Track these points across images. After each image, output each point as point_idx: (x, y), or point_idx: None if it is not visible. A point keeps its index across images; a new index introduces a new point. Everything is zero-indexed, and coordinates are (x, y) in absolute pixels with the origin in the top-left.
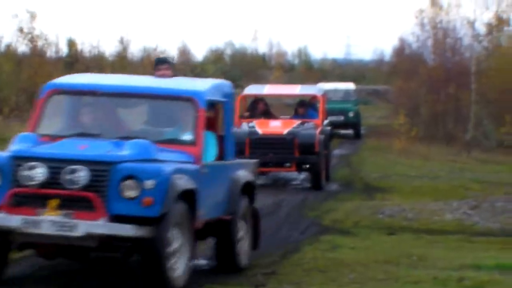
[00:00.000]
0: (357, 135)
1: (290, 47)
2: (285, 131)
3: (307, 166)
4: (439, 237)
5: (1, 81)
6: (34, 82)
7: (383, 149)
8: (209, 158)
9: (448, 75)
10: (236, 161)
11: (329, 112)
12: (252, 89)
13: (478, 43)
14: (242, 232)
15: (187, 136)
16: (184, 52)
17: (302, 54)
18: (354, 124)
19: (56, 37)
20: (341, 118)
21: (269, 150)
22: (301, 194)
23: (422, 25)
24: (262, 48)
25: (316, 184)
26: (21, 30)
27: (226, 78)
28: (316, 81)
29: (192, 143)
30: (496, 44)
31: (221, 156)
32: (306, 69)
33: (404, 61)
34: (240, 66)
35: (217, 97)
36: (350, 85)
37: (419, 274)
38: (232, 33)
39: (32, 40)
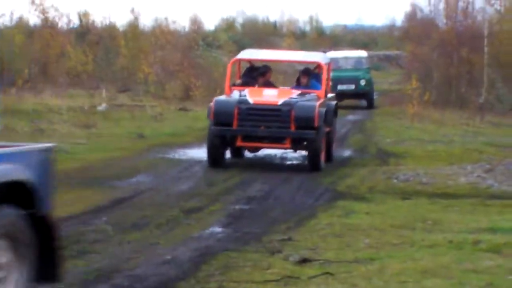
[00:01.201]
0: (370, 105)
1: (301, 15)
2: (281, 101)
3: (304, 143)
4: (454, 201)
5: (13, 54)
6: (46, 53)
7: (396, 114)
8: None
9: (460, 38)
10: None
11: (339, 81)
12: (247, 54)
13: (490, 6)
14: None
15: None
16: (196, 22)
17: (313, 21)
18: (366, 93)
19: (67, 8)
20: (352, 87)
21: (261, 122)
22: None
23: None
24: (273, 16)
25: (313, 164)
26: (32, 1)
27: (237, 46)
28: (327, 47)
29: None
30: (508, 7)
31: None
32: (318, 36)
33: (416, 26)
34: (251, 34)
35: None
36: (362, 53)
37: (435, 238)
38: (243, 1)
39: (43, 11)
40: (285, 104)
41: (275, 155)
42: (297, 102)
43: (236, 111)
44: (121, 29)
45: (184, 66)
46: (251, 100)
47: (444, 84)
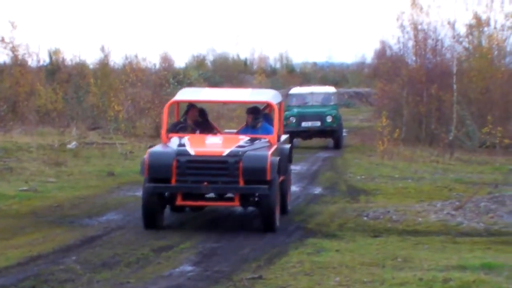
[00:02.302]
0: (337, 145)
1: (271, 52)
2: (226, 151)
3: (256, 199)
4: (424, 238)
5: None
6: (15, 91)
7: (367, 151)
8: None
9: (430, 76)
10: None
11: (303, 118)
12: (186, 94)
13: (459, 44)
14: None
15: None
16: (166, 59)
17: (284, 58)
18: (333, 131)
19: (37, 46)
20: (317, 124)
21: (204, 177)
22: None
23: (402, 27)
24: (244, 53)
25: (267, 223)
26: (2, 39)
27: (208, 83)
28: (298, 84)
29: None
30: (476, 45)
31: None
32: (288, 73)
33: (386, 63)
34: (222, 72)
35: None
36: (330, 89)
37: (405, 275)
38: (214, 39)
39: (13, 49)
40: (231, 154)
41: None
42: (245, 151)
43: (174, 165)
44: (91, 66)
45: (155, 103)
46: (191, 150)
47: (414, 121)
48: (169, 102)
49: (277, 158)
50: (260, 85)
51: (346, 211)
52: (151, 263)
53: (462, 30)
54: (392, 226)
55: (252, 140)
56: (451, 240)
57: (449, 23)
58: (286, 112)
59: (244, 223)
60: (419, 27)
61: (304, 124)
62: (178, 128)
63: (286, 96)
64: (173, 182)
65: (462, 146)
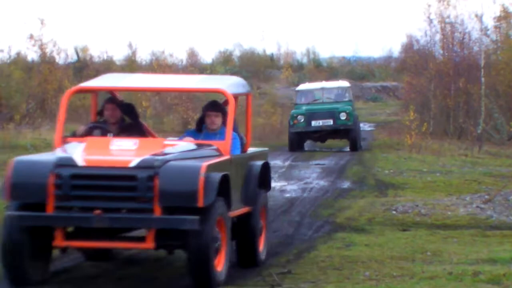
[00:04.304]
0: (354, 147)
1: (298, 47)
2: (136, 161)
3: (181, 239)
4: (453, 232)
5: (11, 89)
6: (44, 89)
7: (395, 145)
8: None
9: (457, 69)
10: None
11: (313, 116)
12: (103, 80)
13: (487, 37)
14: None
15: None
16: (193, 55)
17: (311, 53)
18: (348, 130)
19: (65, 43)
20: (330, 122)
21: (98, 201)
22: (313, 192)
23: (429, 20)
24: (270, 48)
25: (196, 276)
26: (31, 37)
27: None
28: (325, 79)
29: None
30: (504, 37)
31: None
32: (315, 68)
33: (413, 57)
34: (249, 67)
35: None
36: (343, 83)
37: (434, 269)
38: (240, 35)
39: (41, 47)
40: (143, 165)
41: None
42: (166, 161)
43: (51, 182)
44: (118, 63)
45: (182, 99)
46: (80, 159)
47: (441, 115)
48: (69, 90)
49: (220, 174)
50: (287, 80)
51: (374, 205)
52: (179, 258)
53: (489, 22)
54: (421, 220)
55: (187, 146)
56: (480, 234)
57: (476, 16)
58: (293, 111)
59: (272, 217)
60: (446, 20)
61: (314, 123)
62: (85, 130)
63: (295, 93)
64: (50, 210)
65: (491, 140)
